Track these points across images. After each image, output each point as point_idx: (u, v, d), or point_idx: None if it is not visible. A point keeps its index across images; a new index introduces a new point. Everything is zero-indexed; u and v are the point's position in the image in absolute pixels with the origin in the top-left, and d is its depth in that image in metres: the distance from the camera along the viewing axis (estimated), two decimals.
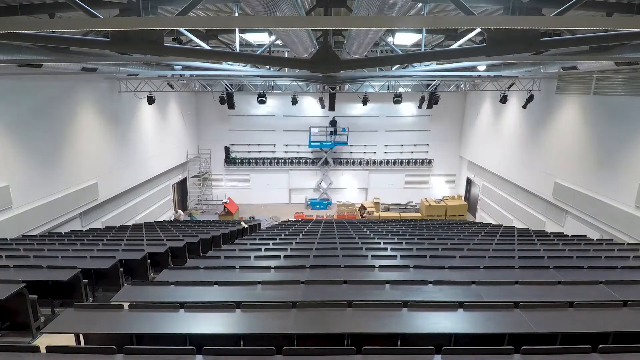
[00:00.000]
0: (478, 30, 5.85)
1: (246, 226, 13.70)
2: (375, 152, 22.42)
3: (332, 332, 4.10)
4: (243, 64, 10.35)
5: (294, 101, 17.38)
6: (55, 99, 10.97)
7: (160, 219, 17.22)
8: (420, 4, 6.55)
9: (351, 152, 22.40)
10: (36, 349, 3.49)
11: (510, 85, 14.75)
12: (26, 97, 9.91)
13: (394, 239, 9.88)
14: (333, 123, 21.18)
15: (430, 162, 22.49)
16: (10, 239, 8.89)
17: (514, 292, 5.14)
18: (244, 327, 4.14)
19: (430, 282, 5.36)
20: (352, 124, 21.80)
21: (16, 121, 9.60)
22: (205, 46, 7.83)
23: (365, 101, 17.62)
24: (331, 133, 21.11)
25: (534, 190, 14.54)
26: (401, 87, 17.51)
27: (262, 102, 15.45)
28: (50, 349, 3.46)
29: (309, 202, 22.14)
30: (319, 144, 21.24)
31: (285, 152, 22.29)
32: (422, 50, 7.27)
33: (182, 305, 4.38)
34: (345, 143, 21.59)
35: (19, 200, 9.59)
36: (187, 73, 12.13)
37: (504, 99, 15.13)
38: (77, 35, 5.24)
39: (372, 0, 3.90)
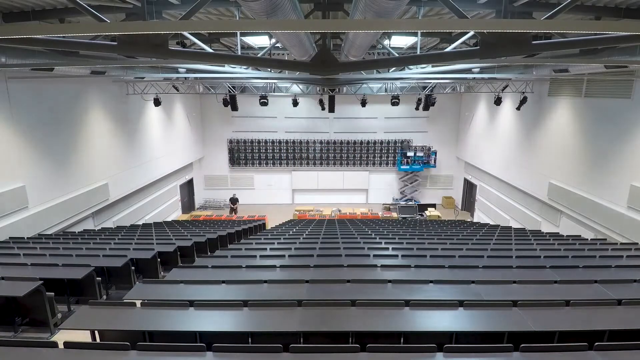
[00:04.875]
0: (471, 33, 5.96)
1: None
2: (374, 153, 22.59)
3: (337, 330, 4.21)
4: (245, 67, 10.47)
5: (295, 103, 17.50)
6: (67, 102, 11.18)
7: (169, 219, 17.44)
8: (415, 8, 6.68)
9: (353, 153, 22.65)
10: (54, 345, 3.60)
11: (504, 88, 14.94)
12: (40, 100, 10.10)
13: (394, 238, 10.02)
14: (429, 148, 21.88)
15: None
16: (27, 238, 9.07)
17: (512, 291, 5.26)
18: (251, 324, 4.25)
19: (431, 281, 5.48)
20: (352, 125, 22.01)
21: (31, 123, 9.78)
22: (208, 49, 7.94)
23: (363, 103, 17.77)
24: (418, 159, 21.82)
25: (530, 191, 14.72)
26: (398, 89, 17.66)
27: (264, 104, 15.59)
28: (68, 345, 3.57)
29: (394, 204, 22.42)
30: (408, 167, 21.89)
31: (287, 153, 22.44)
32: (418, 52, 7.38)
33: (192, 303, 4.49)
34: (434, 166, 22.20)
35: (34, 200, 9.80)
36: (192, 76, 12.26)
37: (498, 101, 15.31)
38: (86, 39, 5.34)
39: (368, 4, 4.01)
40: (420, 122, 21.94)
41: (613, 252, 7.97)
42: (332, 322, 4.26)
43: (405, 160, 21.75)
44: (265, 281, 5.41)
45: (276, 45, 8.57)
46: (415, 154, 21.74)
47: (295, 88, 18.16)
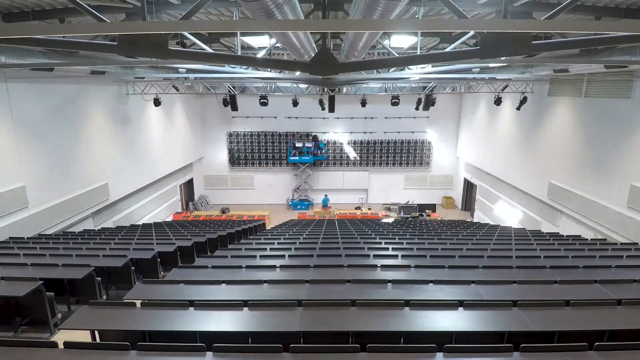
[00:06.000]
0: (471, 33, 5.96)
1: None
2: (374, 153, 22.58)
3: (337, 330, 4.21)
4: (245, 67, 10.47)
5: (295, 103, 17.52)
6: (67, 102, 11.17)
7: (169, 219, 17.43)
8: (415, 8, 6.67)
9: (349, 155, 22.60)
10: (54, 345, 3.60)
11: (504, 88, 14.94)
12: (40, 100, 10.10)
13: (394, 238, 10.02)
14: (315, 138, 21.83)
15: (428, 163, 22.69)
16: (27, 238, 9.06)
17: (512, 291, 5.25)
18: (251, 325, 4.25)
19: (431, 282, 5.47)
20: (352, 125, 22.00)
21: (31, 123, 9.78)
22: (208, 49, 7.94)
23: (363, 103, 17.77)
24: (308, 150, 21.60)
25: (530, 191, 14.72)
26: (398, 89, 17.65)
27: (264, 104, 15.59)
28: (68, 345, 3.56)
29: (290, 204, 22.39)
30: (297, 158, 21.63)
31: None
32: (418, 52, 7.38)
33: (192, 304, 4.49)
34: (325, 157, 22.12)
35: (34, 200, 9.79)
36: (192, 76, 12.28)
37: (498, 101, 15.30)
38: (86, 39, 5.34)
39: (368, 4, 4.00)
40: (420, 122, 21.95)
41: (613, 252, 7.96)
42: (332, 322, 4.25)
43: (294, 151, 21.59)
44: (265, 281, 5.41)
45: (276, 45, 8.57)
46: (304, 144, 21.57)
47: (295, 88, 18.16)
